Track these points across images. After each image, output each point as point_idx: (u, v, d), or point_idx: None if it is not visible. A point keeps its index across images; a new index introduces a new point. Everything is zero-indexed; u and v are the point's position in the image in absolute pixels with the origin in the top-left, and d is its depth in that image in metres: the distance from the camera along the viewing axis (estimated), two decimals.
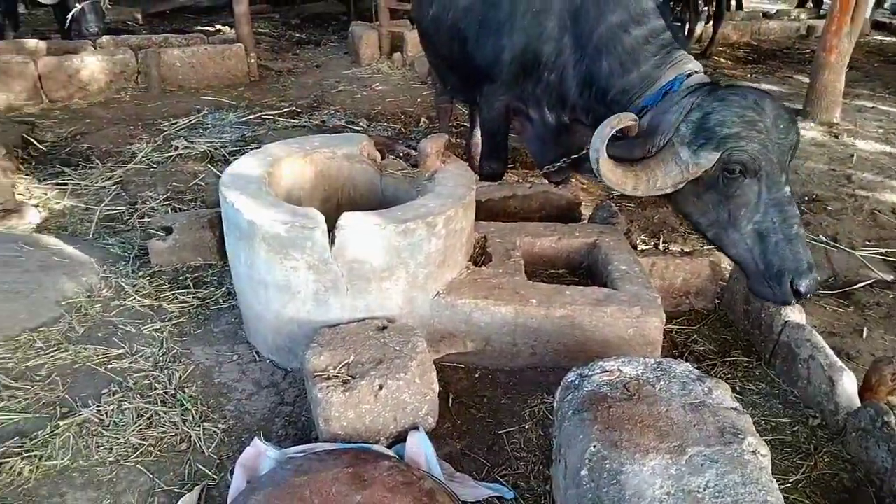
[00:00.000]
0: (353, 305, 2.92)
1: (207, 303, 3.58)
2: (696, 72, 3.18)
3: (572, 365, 2.59)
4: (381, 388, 2.55)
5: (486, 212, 4.09)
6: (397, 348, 2.72)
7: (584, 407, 2.29)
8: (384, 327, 2.87)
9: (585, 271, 3.59)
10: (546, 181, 4.57)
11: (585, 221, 4.15)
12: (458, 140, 6.08)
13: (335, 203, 3.56)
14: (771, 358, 3.26)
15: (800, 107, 7.17)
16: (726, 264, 3.75)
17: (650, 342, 3.03)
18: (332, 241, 2.78)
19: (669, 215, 4.96)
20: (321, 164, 3.50)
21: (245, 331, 3.32)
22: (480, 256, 3.39)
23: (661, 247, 4.53)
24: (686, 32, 9.98)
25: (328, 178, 3.53)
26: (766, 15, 12.49)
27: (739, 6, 12.96)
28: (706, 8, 10.20)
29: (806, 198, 5.33)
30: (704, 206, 3.08)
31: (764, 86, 8.67)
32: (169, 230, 3.90)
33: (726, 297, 3.69)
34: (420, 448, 2.56)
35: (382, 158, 3.64)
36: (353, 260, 2.81)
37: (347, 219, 2.81)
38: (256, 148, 3.60)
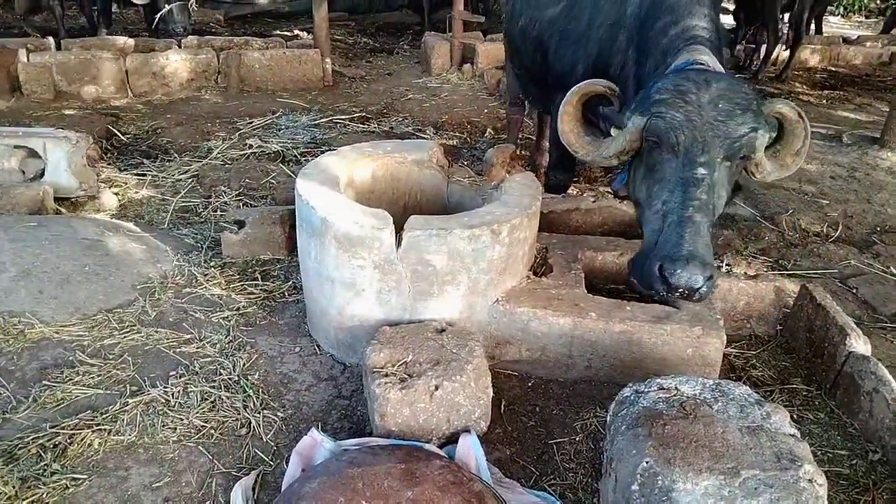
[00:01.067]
0: (413, 307, 2.97)
1: (274, 295, 3.69)
2: (707, 63, 2.98)
3: (627, 381, 2.58)
4: (436, 388, 2.59)
5: (548, 224, 4.09)
6: (454, 351, 2.75)
7: (639, 423, 2.28)
8: (443, 330, 2.90)
9: None
10: (611, 195, 4.55)
11: None
12: (524, 152, 6.10)
13: (402, 206, 3.63)
14: (832, 388, 3.17)
15: (877, 135, 6.93)
16: (791, 289, 3.67)
17: (709, 363, 2.99)
18: (398, 243, 2.84)
19: (734, 238, 4.87)
20: (391, 167, 3.57)
21: (308, 324, 3.41)
22: (541, 267, 3.40)
23: (724, 269, 4.45)
24: (763, 56, 9.78)
25: (397, 180, 3.60)
26: (847, 40, 12.12)
27: (819, 30, 12.63)
28: (784, 31, 9.97)
29: (878, 229, 5.16)
30: (637, 183, 2.92)
31: (841, 112, 8.43)
32: (241, 224, 4.04)
33: (789, 323, 3.60)
34: (471, 451, 2.59)
35: (450, 165, 3.70)
36: (418, 262, 2.86)
37: (415, 221, 2.86)
38: (327, 150, 3.70)
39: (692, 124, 2.66)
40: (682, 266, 2.52)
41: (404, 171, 3.59)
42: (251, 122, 6.83)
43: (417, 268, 2.88)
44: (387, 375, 2.63)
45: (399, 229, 2.87)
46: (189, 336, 3.30)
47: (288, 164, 5.79)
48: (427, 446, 2.56)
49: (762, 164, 2.84)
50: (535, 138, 5.73)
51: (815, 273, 4.40)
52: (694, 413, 2.29)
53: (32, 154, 4.82)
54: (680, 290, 2.56)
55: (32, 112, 6.80)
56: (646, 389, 2.52)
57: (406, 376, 2.63)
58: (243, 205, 4.99)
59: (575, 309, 3.02)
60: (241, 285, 3.75)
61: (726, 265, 4.51)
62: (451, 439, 2.66)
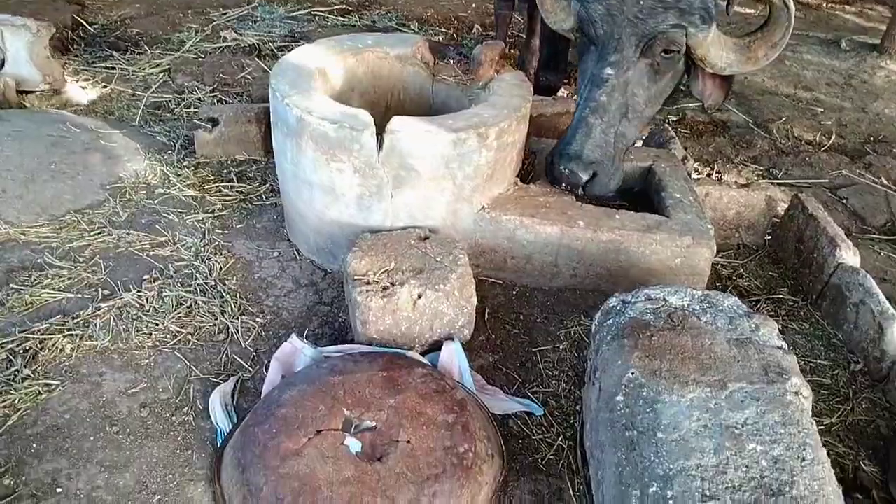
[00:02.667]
0: (395, 213, 2.86)
1: (250, 198, 3.56)
2: None
3: (613, 290, 2.54)
4: (419, 297, 2.53)
5: (536, 127, 3.96)
6: (438, 259, 2.67)
7: (625, 333, 2.24)
8: (426, 237, 2.82)
9: (637, 196, 3.47)
10: None
11: (640, 144, 4.00)
12: (513, 51, 5.86)
13: (384, 106, 3.46)
14: (818, 299, 3.16)
15: (877, 42, 6.73)
16: (782, 199, 3.61)
17: (697, 273, 2.94)
18: (379, 145, 2.70)
19: (726, 145, 4.76)
20: (372, 63, 3.37)
21: (287, 228, 3.30)
22: (529, 174, 3.29)
23: (714, 177, 4.38)
24: None
25: (378, 78, 3.41)
26: None
27: None
28: None
29: (872, 138, 5.07)
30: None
31: (841, 17, 8.15)
32: (215, 122, 3.85)
33: (778, 233, 3.56)
34: (454, 358, 2.55)
35: (435, 63, 3.51)
36: (400, 166, 2.74)
37: (397, 123, 2.72)
38: (305, 44, 3.48)
39: (612, 19, 2.67)
40: (564, 162, 2.81)
41: (386, 67, 3.39)
42: (225, 13, 6.46)
43: (400, 172, 2.75)
44: (368, 283, 2.56)
45: (381, 130, 2.72)
46: (163, 239, 3.19)
47: (264, 59, 5.51)
48: (410, 354, 2.52)
49: (708, 59, 2.80)
50: (524, 36, 5.49)
51: (806, 182, 4.34)
52: (681, 324, 2.25)
53: None
54: (563, 183, 2.88)
55: None
56: (633, 300, 2.47)
57: (388, 284, 2.56)
58: (218, 101, 4.78)
59: (563, 217, 2.93)
60: (216, 187, 3.60)
61: (716, 173, 4.43)
62: (435, 346, 2.62)
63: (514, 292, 3.06)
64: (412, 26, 6.51)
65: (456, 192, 2.85)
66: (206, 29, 6.06)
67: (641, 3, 2.61)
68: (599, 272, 2.99)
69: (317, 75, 3.06)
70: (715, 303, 2.36)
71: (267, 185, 3.64)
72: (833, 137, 4.98)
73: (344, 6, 6.89)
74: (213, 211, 3.41)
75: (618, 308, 2.50)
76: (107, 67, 5.24)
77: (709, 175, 4.38)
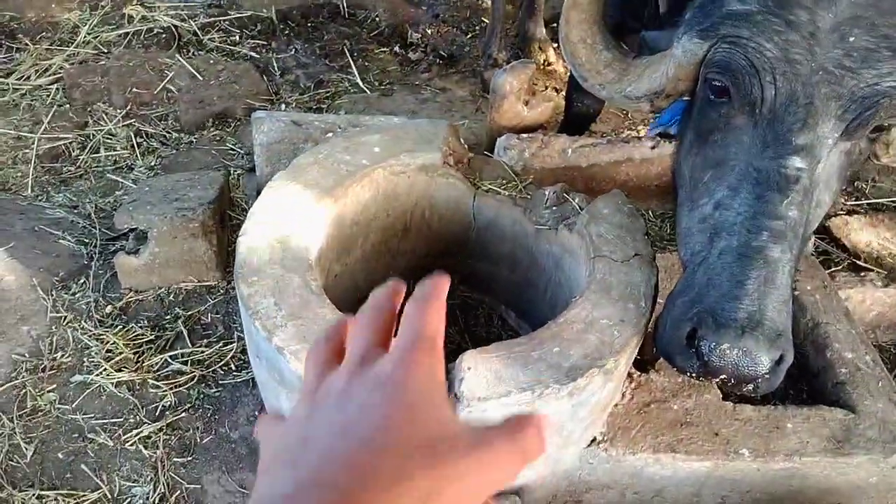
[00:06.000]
0: None
1: (214, 373, 2.23)
2: None
3: None
4: None
5: (585, 180, 2.77)
6: None
7: None
8: None
9: None
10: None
11: None
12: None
13: (400, 228, 2.15)
14: None
15: None
16: None
17: (895, 489, 1.92)
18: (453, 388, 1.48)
19: None
20: (384, 183, 2.00)
21: None
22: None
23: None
24: None
25: (394, 199, 2.06)
26: None
27: None
28: None
29: None
30: (682, 153, 1.69)
31: None
32: (142, 238, 2.44)
33: None
34: None
35: (468, 161, 2.16)
36: None
37: (475, 381, 1.47)
38: (235, 17, 2.09)
39: (794, 68, 1.34)
40: (731, 337, 1.30)
41: (405, 184, 2.04)
42: None
43: None
44: None
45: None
46: (94, 496, 1.93)
47: (186, 51, 3.96)
48: None
49: None
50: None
51: None
52: None
53: None
54: (724, 375, 1.34)
55: None
56: None
57: None
58: (136, 135, 3.37)
59: (715, 441, 1.80)
60: (161, 358, 2.26)
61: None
62: None
63: None
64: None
65: (561, 443, 1.67)
66: (102, 3, 4.34)
67: (853, 37, 1.33)
68: (758, 497, 1.92)
69: (311, 255, 1.72)
70: None
71: (234, 344, 2.31)
72: None
73: None
74: (162, 413, 2.12)
75: None
76: None
77: None
